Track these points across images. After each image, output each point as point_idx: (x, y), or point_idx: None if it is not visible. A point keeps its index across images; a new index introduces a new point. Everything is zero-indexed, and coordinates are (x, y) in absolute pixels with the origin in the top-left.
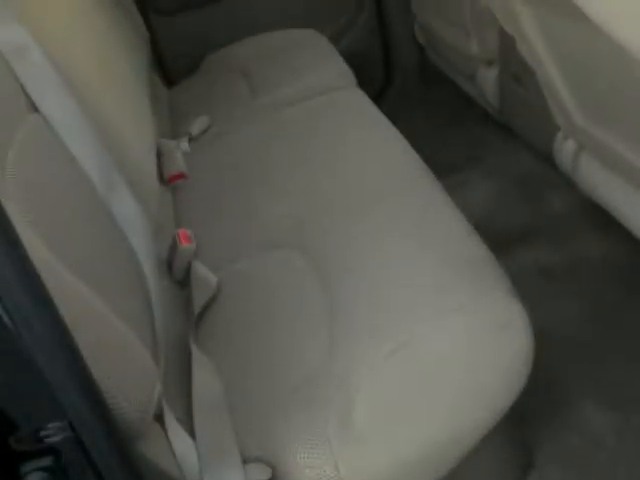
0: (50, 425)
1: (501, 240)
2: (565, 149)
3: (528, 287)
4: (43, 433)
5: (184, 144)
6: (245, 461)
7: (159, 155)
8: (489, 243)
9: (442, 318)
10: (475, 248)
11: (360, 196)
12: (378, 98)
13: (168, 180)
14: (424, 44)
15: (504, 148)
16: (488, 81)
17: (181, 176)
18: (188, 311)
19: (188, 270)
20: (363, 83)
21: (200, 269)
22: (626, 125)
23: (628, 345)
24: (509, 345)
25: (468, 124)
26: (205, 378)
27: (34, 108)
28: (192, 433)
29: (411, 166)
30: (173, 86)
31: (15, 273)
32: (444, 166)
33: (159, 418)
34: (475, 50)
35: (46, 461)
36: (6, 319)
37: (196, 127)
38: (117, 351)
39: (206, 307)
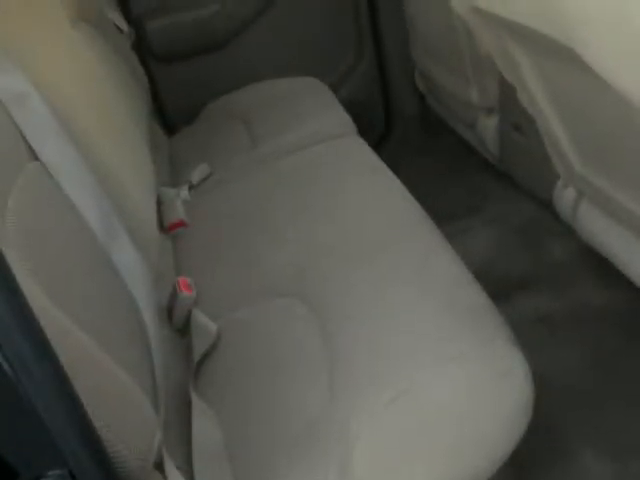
0: (50, 473)
1: (501, 288)
2: (565, 197)
3: (528, 335)
4: None
5: (184, 192)
6: None
7: (159, 203)
8: (489, 291)
9: (442, 366)
10: (475, 296)
11: (360, 244)
12: (378, 146)
13: (168, 228)
14: (424, 92)
15: (504, 196)
16: (488, 129)
17: (181, 224)
18: (188, 359)
19: (188, 318)
20: (363, 131)
21: (200, 317)
22: (626, 173)
23: (628, 391)
24: (509, 393)
25: (468, 172)
26: (205, 426)
27: (34, 156)
28: None
29: (411, 214)
30: (174, 134)
31: (15, 321)
32: (445, 214)
33: (159, 466)
34: (475, 98)
35: None
36: (6, 367)
37: (196, 175)
38: (117, 399)
39: (206, 355)
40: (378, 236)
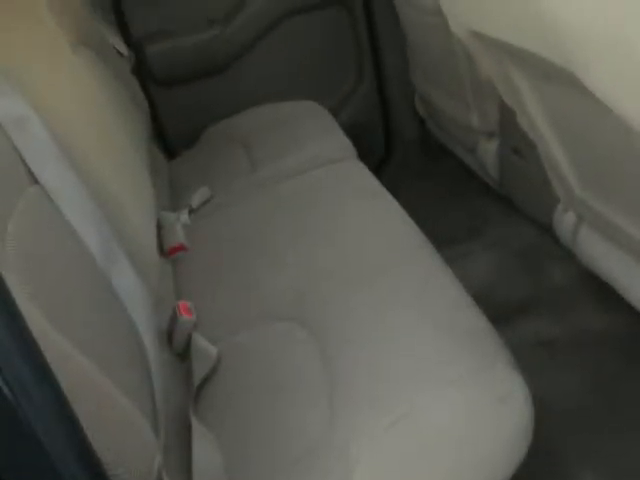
0: None
1: (501, 311)
2: (565, 221)
3: (528, 358)
4: None
5: (184, 216)
6: None
7: (159, 227)
8: (489, 314)
9: (442, 390)
10: (475, 319)
11: (360, 268)
12: (378, 170)
13: (168, 252)
14: (424, 116)
15: (504, 220)
16: (489, 153)
17: (181, 248)
18: (188, 383)
19: (188, 342)
20: (363, 154)
21: (200, 341)
22: (626, 197)
23: (628, 415)
24: (509, 417)
25: (469, 196)
26: (205, 450)
27: (34, 180)
28: None
29: (411, 237)
30: (174, 158)
31: (15, 344)
32: (445, 238)
33: None
34: (476, 123)
35: None
36: (6, 390)
37: (196, 199)
38: (117, 422)
39: (206, 379)
40: (378, 260)
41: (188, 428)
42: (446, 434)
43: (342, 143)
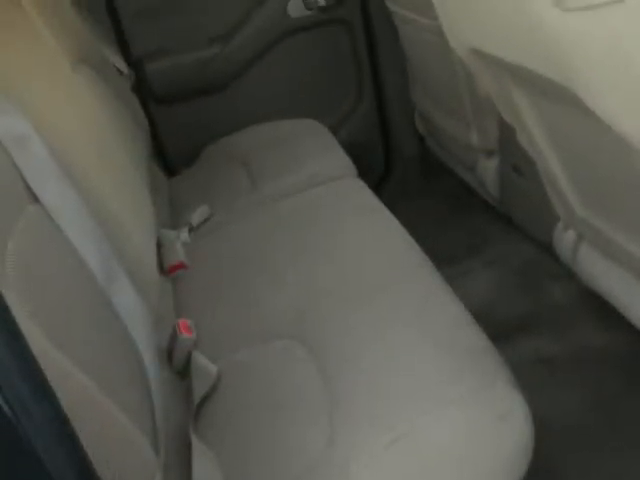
0: None
1: (501, 330)
2: (565, 239)
3: (529, 377)
4: None
5: (184, 234)
6: None
7: (159, 245)
8: (489, 333)
9: (442, 409)
10: (475, 337)
11: (360, 285)
12: (379, 187)
13: (168, 270)
14: (424, 134)
15: (504, 238)
16: (488, 171)
17: (181, 266)
18: (188, 401)
19: (188, 360)
20: (363, 172)
21: (200, 359)
22: (626, 215)
23: (629, 434)
24: (509, 436)
25: (468, 214)
26: (205, 468)
27: (34, 198)
28: None
29: (411, 255)
30: (174, 176)
31: (15, 363)
32: (445, 256)
33: None
34: (475, 141)
35: None
36: (6, 408)
37: (196, 217)
38: (117, 441)
39: (206, 397)
40: (378, 278)
41: (188, 446)
42: (446, 453)
43: (342, 161)
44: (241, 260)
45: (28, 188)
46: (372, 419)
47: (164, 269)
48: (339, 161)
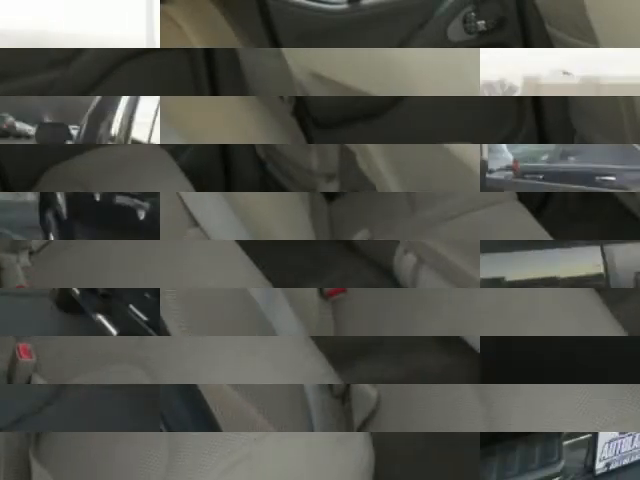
0: None
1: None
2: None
3: None
4: None
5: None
6: None
7: None
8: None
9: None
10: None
11: None
12: None
13: None
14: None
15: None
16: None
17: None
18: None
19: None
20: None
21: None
22: None
23: None
24: (348, 458)
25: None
26: None
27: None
28: None
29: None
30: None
31: None
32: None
33: None
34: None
35: None
36: None
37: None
38: None
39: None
40: None
41: (28, 470)
42: (286, 477)
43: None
44: None
45: (188, 212)
46: (212, 444)
47: None
48: None
